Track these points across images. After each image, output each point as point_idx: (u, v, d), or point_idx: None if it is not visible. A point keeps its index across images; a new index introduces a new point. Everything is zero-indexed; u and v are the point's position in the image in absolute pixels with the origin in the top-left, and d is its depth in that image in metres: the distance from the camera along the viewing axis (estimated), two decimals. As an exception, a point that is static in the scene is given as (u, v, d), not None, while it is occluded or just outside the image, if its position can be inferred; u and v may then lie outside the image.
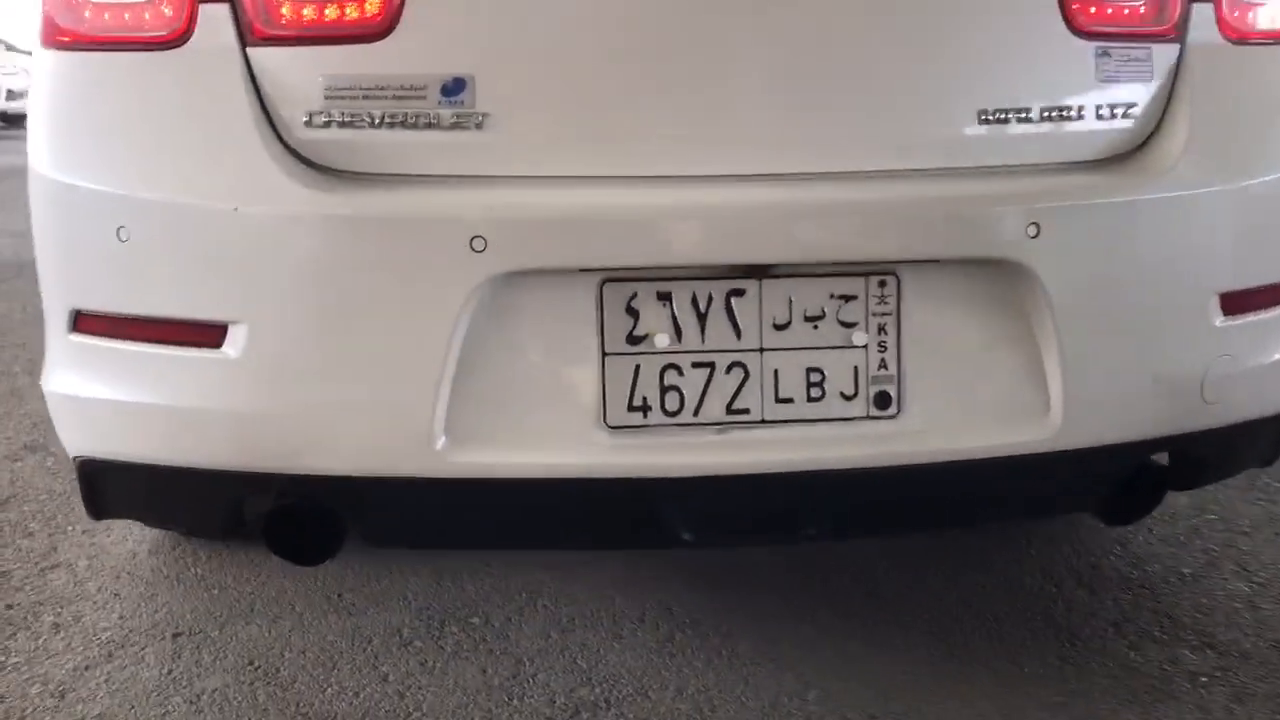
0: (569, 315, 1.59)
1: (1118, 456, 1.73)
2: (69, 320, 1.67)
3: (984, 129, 1.65)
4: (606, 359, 1.60)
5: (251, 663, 2.08)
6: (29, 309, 1.74)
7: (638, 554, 2.43)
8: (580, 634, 2.15)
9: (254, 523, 1.71)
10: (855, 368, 1.63)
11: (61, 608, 2.30)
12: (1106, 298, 1.64)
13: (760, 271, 1.60)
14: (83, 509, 1.80)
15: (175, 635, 2.19)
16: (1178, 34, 1.71)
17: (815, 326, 1.62)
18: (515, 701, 1.94)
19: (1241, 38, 1.74)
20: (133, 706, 1.94)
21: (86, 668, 2.07)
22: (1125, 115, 1.69)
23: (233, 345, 1.57)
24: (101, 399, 1.66)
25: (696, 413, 1.62)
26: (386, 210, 1.53)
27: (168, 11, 1.57)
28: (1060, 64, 1.66)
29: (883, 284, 1.62)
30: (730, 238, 1.56)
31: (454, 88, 1.56)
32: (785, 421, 1.63)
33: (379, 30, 1.55)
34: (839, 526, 1.71)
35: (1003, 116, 1.65)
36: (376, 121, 1.57)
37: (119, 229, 1.57)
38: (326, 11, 1.56)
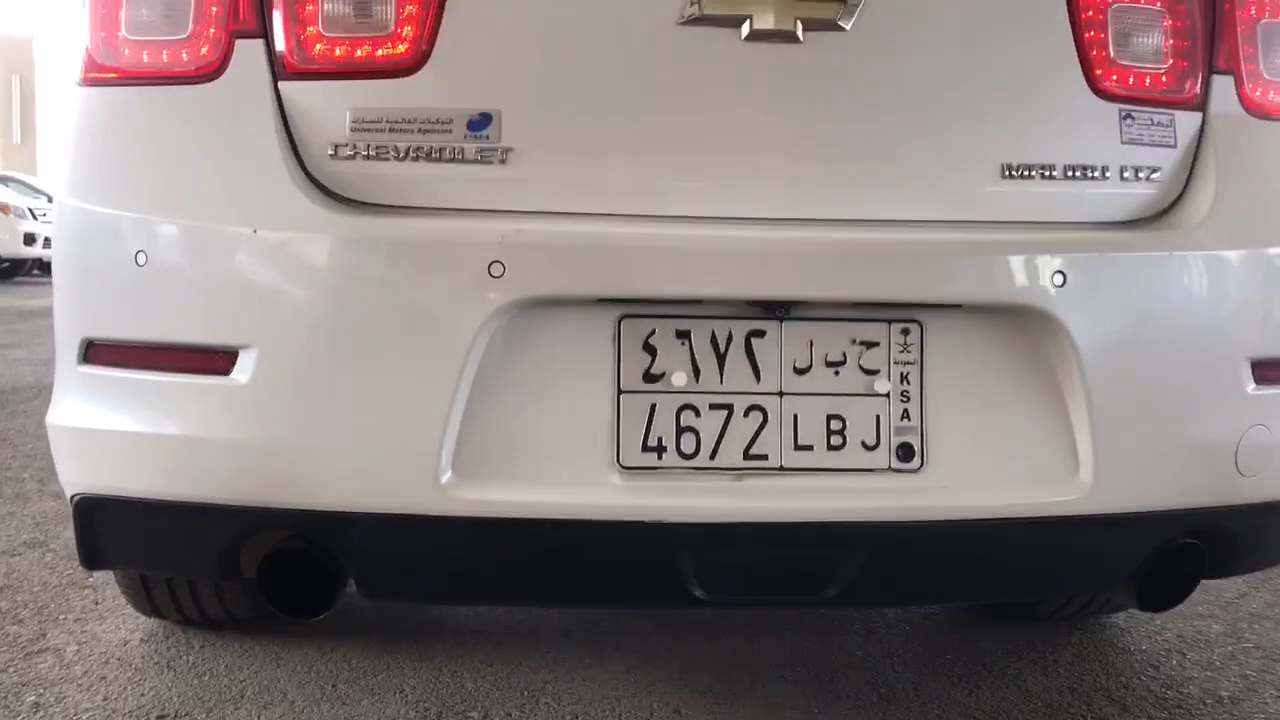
0: (585, 350, 1.56)
1: (1151, 526, 1.66)
2: (80, 351, 1.66)
3: (1008, 185, 1.65)
4: (622, 396, 1.56)
5: (237, 742, 1.97)
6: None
7: (645, 650, 2.33)
8: (584, 729, 2.05)
9: (250, 569, 1.65)
10: (877, 417, 1.59)
11: (44, 689, 2.20)
12: (1135, 354, 1.60)
13: (781, 312, 1.57)
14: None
15: (160, 718, 2.09)
16: (1200, 104, 1.72)
17: (836, 372, 1.59)
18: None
19: (1264, 112, 1.75)
20: (108, 777, 1.83)
21: (64, 743, 1.96)
22: (1149, 179, 1.69)
23: (241, 371, 1.54)
24: (104, 430, 1.63)
25: (713, 456, 1.57)
26: (404, 233, 1.53)
27: (204, 49, 1.60)
28: (1084, 125, 1.67)
29: (906, 331, 1.59)
30: (751, 272, 1.54)
31: (480, 122, 1.57)
32: (804, 470, 1.58)
33: (409, 66, 1.58)
34: (860, 587, 1.62)
35: (1027, 173, 1.65)
36: (402, 154, 1.58)
37: (138, 253, 1.57)
38: (359, 49, 1.59)
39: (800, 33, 1.59)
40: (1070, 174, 1.66)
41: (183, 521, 1.63)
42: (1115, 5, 1.69)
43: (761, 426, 1.57)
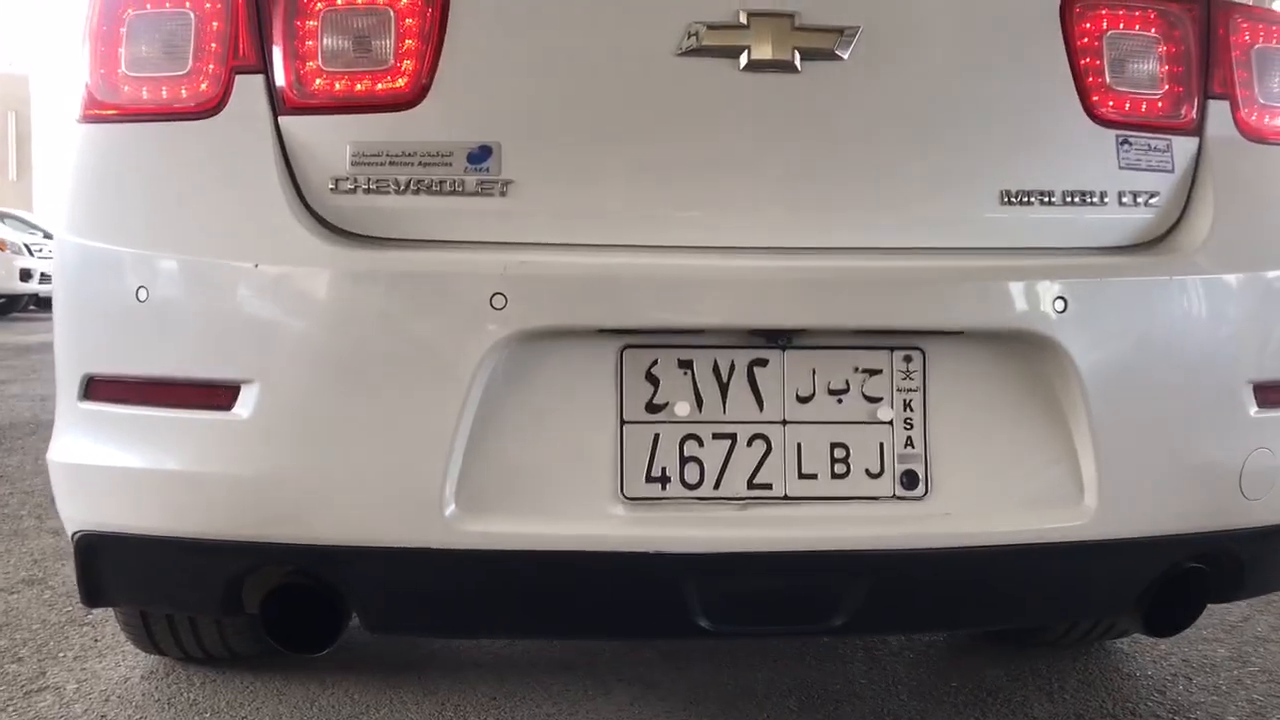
0: (587, 381, 1.56)
1: (1156, 551, 1.65)
2: (81, 387, 1.65)
3: (1008, 212, 1.65)
4: (625, 427, 1.56)
5: (239, 779, 1.96)
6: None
7: (648, 682, 2.32)
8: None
9: (252, 605, 1.64)
10: (881, 444, 1.59)
11: (44, 728, 2.19)
12: (1137, 379, 1.60)
13: (783, 341, 1.57)
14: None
15: (160, 755, 2.07)
16: (1196, 129, 1.73)
17: (839, 400, 1.59)
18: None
19: (1260, 136, 1.76)
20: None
21: (64, 780, 1.94)
22: (1148, 204, 1.70)
23: (243, 406, 1.54)
24: (106, 466, 1.62)
25: (717, 486, 1.56)
26: (405, 266, 1.53)
27: (204, 85, 1.61)
28: (1082, 151, 1.68)
29: (908, 358, 1.59)
30: (753, 302, 1.54)
31: (480, 155, 1.58)
32: (809, 499, 1.57)
33: (408, 99, 1.59)
34: (865, 616, 1.61)
35: (1026, 200, 1.65)
36: (402, 188, 1.58)
37: (139, 289, 1.57)
38: (359, 84, 1.60)
39: (798, 62, 1.60)
40: (1069, 200, 1.67)
41: (185, 558, 1.62)
42: (1110, 32, 1.71)
43: (765, 456, 1.57)
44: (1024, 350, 1.60)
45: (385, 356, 1.52)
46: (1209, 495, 1.66)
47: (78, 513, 1.68)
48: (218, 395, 1.55)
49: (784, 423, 1.58)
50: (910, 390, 1.60)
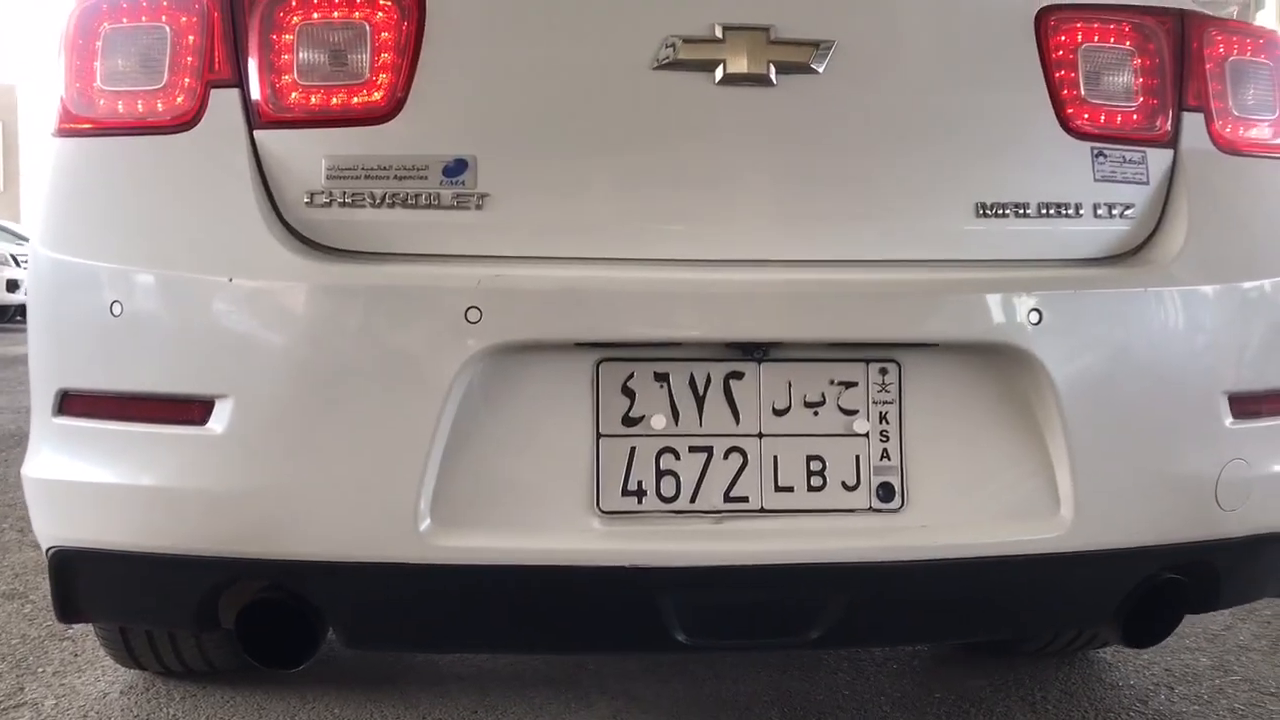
0: (563, 395, 1.56)
1: (1133, 562, 1.65)
2: (55, 402, 1.65)
3: (983, 224, 1.66)
4: (601, 440, 1.56)
5: (217, 795, 1.94)
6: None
7: (630, 694, 2.31)
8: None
9: (228, 620, 1.64)
10: (857, 457, 1.59)
11: (22, 745, 2.17)
12: (1112, 390, 1.61)
13: (759, 354, 1.57)
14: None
15: (139, 771, 2.06)
16: (1171, 141, 1.73)
17: (815, 413, 1.59)
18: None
19: (1234, 148, 1.76)
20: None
21: (40, 798, 1.93)
22: (1123, 215, 1.71)
23: (218, 421, 1.53)
24: (80, 481, 1.62)
25: (694, 499, 1.56)
26: (380, 280, 1.53)
27: (180, 99, 1.61)
28: (1057, 163, 1.69)
29: (884, 371, 1.60)
30: (728, 315, 1.55)
31: (455, 168, 1.58)
32: (785, 511, 1.57)
33: (384, 113, 1.59)
34: (843, 628, 1.61)
35: (1001, 212, 1.66)
36: (378, 201, 1.58)
37: (113, 303, 1.57)
38: (334, 97, 1.60)
39: (773, 76, 1.60)
40: (1045, 212, 1.67)
41: (159, 573, 1.62)
42: (1085, 45, 1.71)
43: (741, 468, 1.57)
44: (1000, 362, 1.60)
45: (360, 370, 1.51)
46: (1185, 507, 1.66)
47: (52, 528, 1.67)
48: (192, 410, 1.55)
49: (760, 435, 1.58)
50: (886, 403, 1.60)
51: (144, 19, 1.62)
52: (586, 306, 1.52)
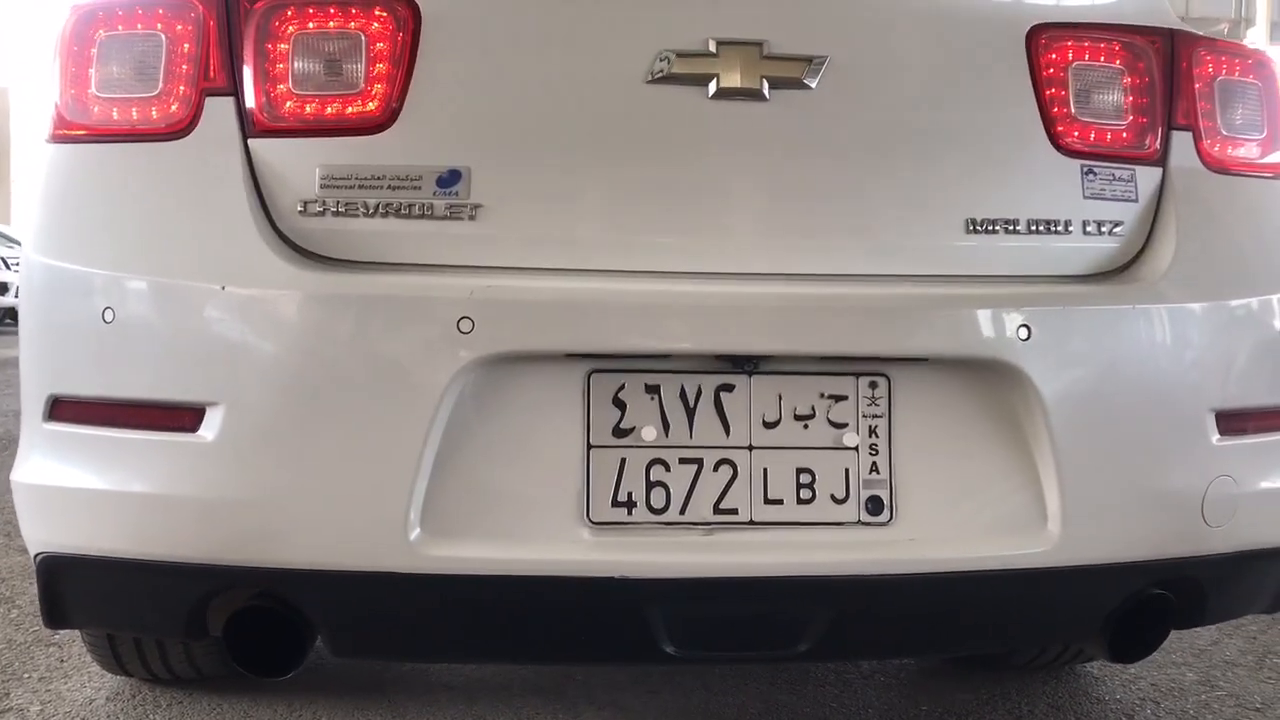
0: (554, 406, 1.56)
1: (1120, 577, 1.66)
2: (46, 408, 1.64)
3: (973, 240, 1.67)
4: (591, 451, 1.56)
5: (203, 803, 1.94)
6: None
7: (619, 705, 2.31)
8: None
9: (217, 627, 1.63)
10: (846, 470, 1.60)
11: (7, 751, 2.17)
12: (1100, 406, 1.62)
13: (750, 366, 1.58)
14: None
15: (125, 779, 2.05)
16: (1160, 159, 1.75)
17: (805, 426, 1.60)
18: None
19: (1222, 167, 1.78)
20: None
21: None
22: (1112, 233, 1.72)
23: (208, 428, 1.53)
24: (70, 488, 1.62)
25: (683, 511, 1.57)
26: (372, 289, 1.53)
27: (174, 107, 1.61)
28: (1047, 181, 1.70)
29: (874, 385, 1.60)
30: (719, 327, 1.55)
31: (449, 179, 1.58)
32: (774, 524, 1.58)
33: (378, 123, 1.59)
34: (831, 642, 1.62)
35: (991, 228, 1.67)
36: (371, 211, 1.58)
37: (105, 310, 1.57)
38: (329, 107, 1.61)
39: (766, 91, 1.61)
40: (1034, 229, 1.69)
41: (148, 580, 1.61)
42: (1076, 63, 1.73)
43: (731, 480, 1.58)
44: (989, 377, 1.61)
45: (351, 379, 1.52)
46: (1172, 523, 1.67)
47: (41, 534, 1.67)
48: (183, 417, 1.55)
49: (750, 448, 1.59)
50: (876, 416, 1.61)
51: (139, 26, 1.62)
52: (578, 318, 1.53)
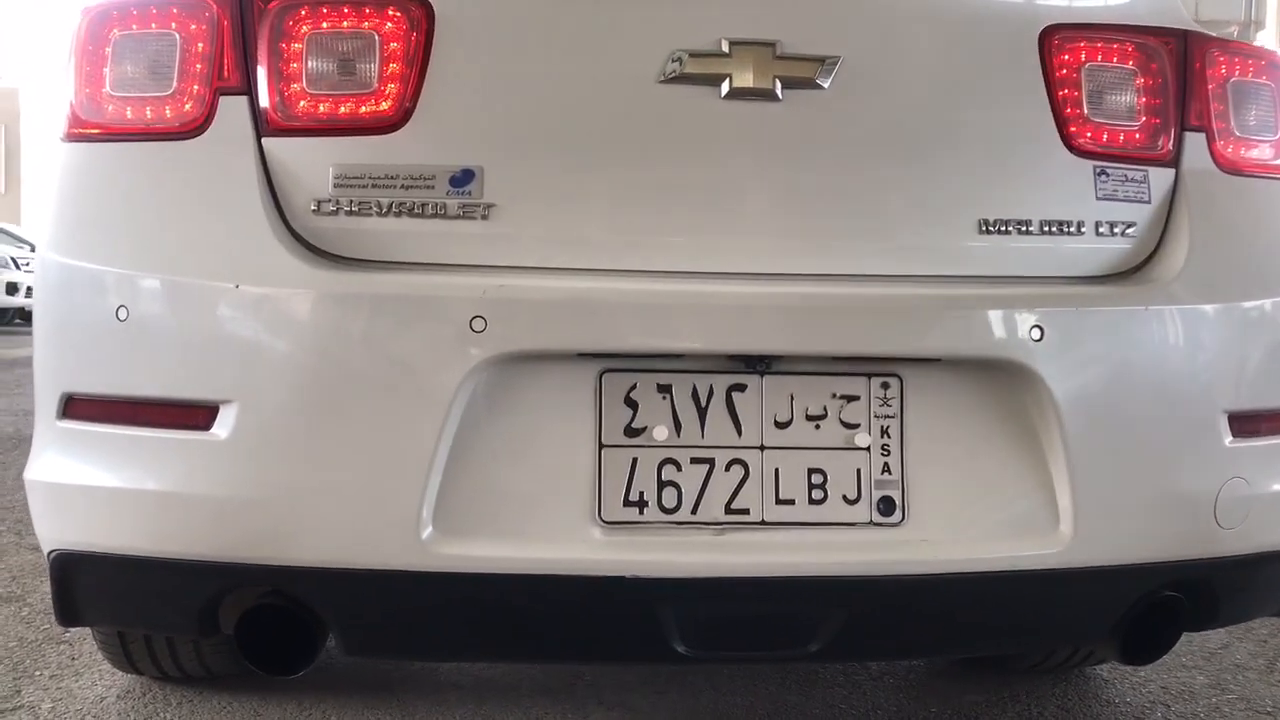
0: (566, 405, 1.56)
1: (1132, 579, 1.66)
2: (59, 406, 1.65)
3: (986, 241, 1.67)
4: (603, 450, 1.56)
5: (214, 801, 1.94)
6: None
7: (628, 706, 2.31)
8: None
9: (229, 625, 1.64)
10: (858, 470, 1.60)
11: (18, 748, 2.17)
12: (1113, 407, 1.61)
13: (762, 366, 1.58)
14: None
15: (136, 776, 2.06)
16: (1173, 160, 1.75)
17: (817, 426, 1.60)
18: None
19: (1235, 168, 1.77)
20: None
21: (37, 801, 1.93)
22: (1125, 234, 1.72)
23: (222, 426, 1.54)
24: (83, 485, 1.62)
25: (695, 510, 1.57)
26: (385, 288, 1.54)
27: (188, 106, 1.62)
28: (1060, 181, 1.70)
29: (885, 385, 1.60)
30: (732, 327, 1.55)
31: (462, 178, 1.59)
32: (786, 524, 1.58)
33: (392, 122, 1.60)
34: (842, 642, 1.62)
35: (1004, 229, 1.67)
36: (384, 210, 1.59)
37: (119, 308, 1.57)
38: (342, 106, 1.61)
39: (779, 91, 1.61)
40: (1047, 229, 1.68)
41: (161, 578, 1.62)
42: (1089, 64, 1.72)
43: (743, 481, 1.58)
44: (1001, 378, 1.61)
45: (364, 378, 1.52)
46: (1184, 524, 1.67)
47: (54, 532, 1.67)
48: (196, 415, 1.55)
49: (762, 448, 1.59)
50: (888, 417, 1.61)
51: (154, 26, 1.63)
52: (590, 317, 1.53)
